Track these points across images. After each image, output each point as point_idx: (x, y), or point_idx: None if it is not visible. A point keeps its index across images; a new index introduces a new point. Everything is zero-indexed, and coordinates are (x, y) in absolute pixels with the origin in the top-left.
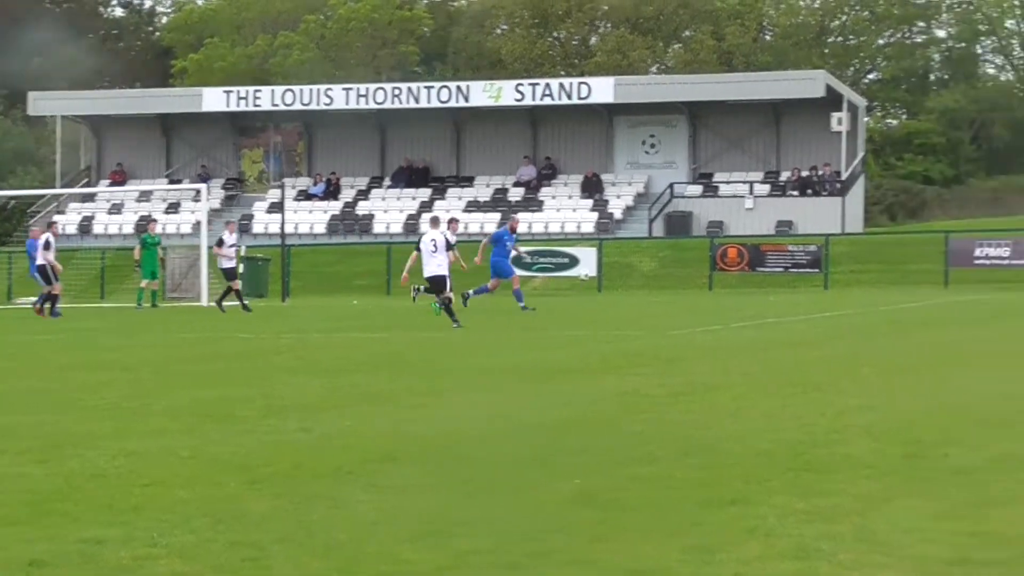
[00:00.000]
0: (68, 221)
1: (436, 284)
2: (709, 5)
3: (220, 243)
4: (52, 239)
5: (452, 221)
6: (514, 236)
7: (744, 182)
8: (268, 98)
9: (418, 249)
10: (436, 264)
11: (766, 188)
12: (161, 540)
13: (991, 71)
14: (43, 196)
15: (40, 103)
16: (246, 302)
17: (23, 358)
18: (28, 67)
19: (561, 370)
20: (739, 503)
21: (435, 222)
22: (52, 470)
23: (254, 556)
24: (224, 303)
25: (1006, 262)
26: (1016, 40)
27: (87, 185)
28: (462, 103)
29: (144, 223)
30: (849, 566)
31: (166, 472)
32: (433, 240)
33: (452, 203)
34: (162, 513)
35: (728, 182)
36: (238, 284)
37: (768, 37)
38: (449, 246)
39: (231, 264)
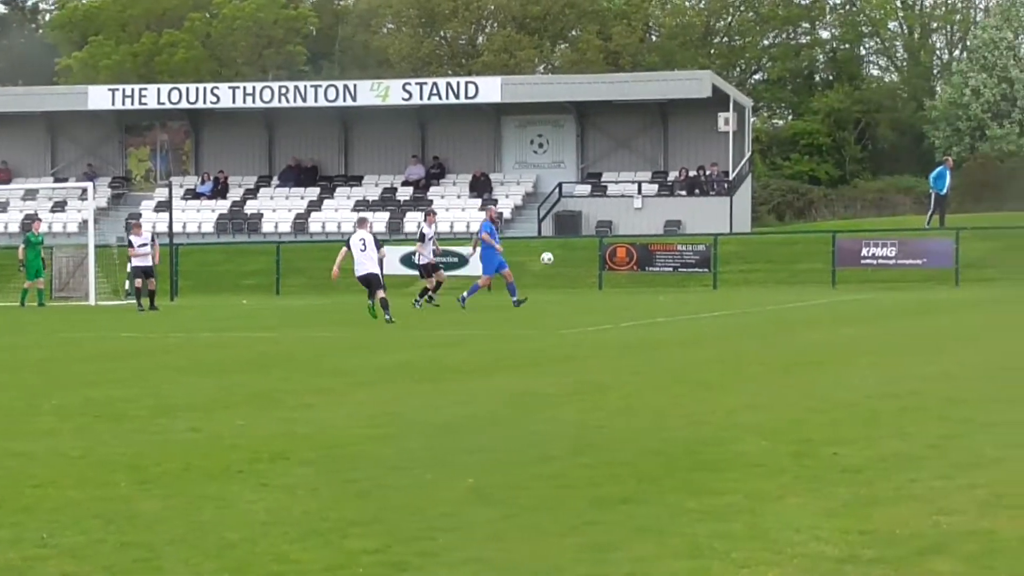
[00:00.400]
0: None
1: (369, 283)
2: (595, 5)
3: (130, 244)
4: None
5: (429, 214)
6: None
7: (632, 182)
8: (154, 96)
9: (348, 247)
10: (368, 263)
11: (654, 188)
12: (51, 540)
13: (875, 72)
14: None
15: None
16: (155, 303)
17: None
18: None
19: (454, 369)
20: (632, 502)
21: (363, 222)
22: None
23: (145, 557)
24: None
25: (892, 262)
26: (899, 42)
27: None
28: (349, 102)
29: (29, 222)
30: (742, 564)
31: (56, 472)
32: (362, 239)
33: (341, 202)
34: (52, 513)
35: (616, 182)
36: (153, 284)
37: (655, 37)
38: (378, 245)
39: (141, 263)
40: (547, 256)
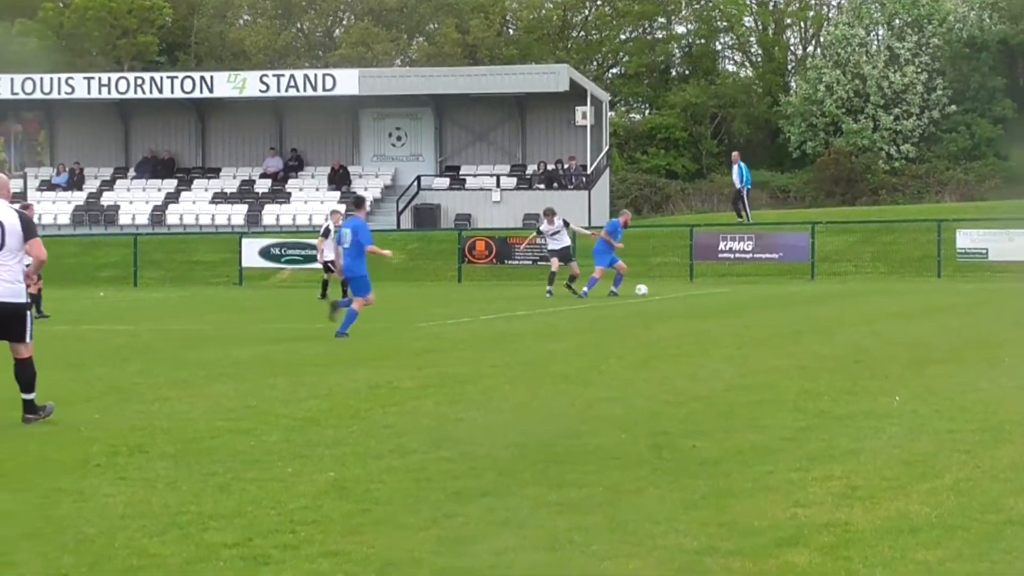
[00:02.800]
0: None
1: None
2: None
3: None
4: None
5: (549, 213)
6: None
7: (491, 175)
8: (7, 86)
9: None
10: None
11: (512, 181)
12: None
13: (731, 68)
14: None
15: None
16: None
17: None
18: None
19: (312, 363)
20: (492, 495)
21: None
22: None
23: (0, 552)
24: None
25: (749, 256)
26: (754, 37)
27: None
28: (206, 94)
29: None
30: (601, 556)
31: None
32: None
33: (198, 194)
34: None
35: (475, 175)
36: None
37: (512, 31)
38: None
39: None
40: (642, 288)
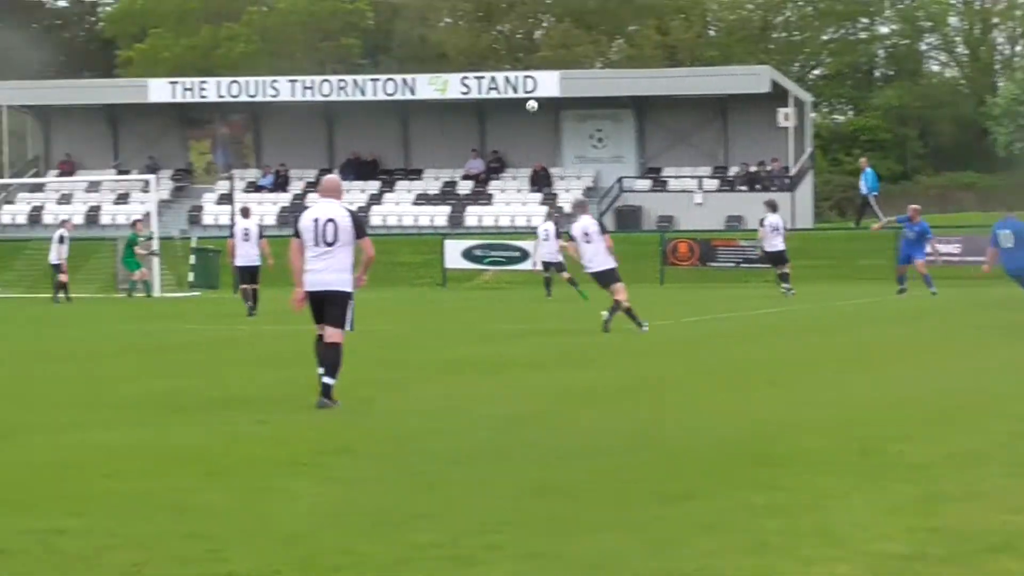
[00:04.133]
0: (18, 211)
1: (555, 267)
2: (653, 0)
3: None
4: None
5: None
6: (918, 225)
7: (692, 177)
8: (214, 89)
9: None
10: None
11: (715, 183)
12: (120, 531)
13: (935, 68)
14: None
15: None
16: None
17: None
18: None
19: (516, 364)
20: (696, 497)
21: (550, 215)
22: (9, 459)
23: (213, 548)
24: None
25: (957, 259)
26: (959, 37)
27: (35, 175)
28: (408, 96)
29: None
30: (807, 561)
31: (125, 463)
32: (545, 230)
33: (401, 196)
34: (121, 504)
35: (677, 177)
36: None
37: (712, 32)
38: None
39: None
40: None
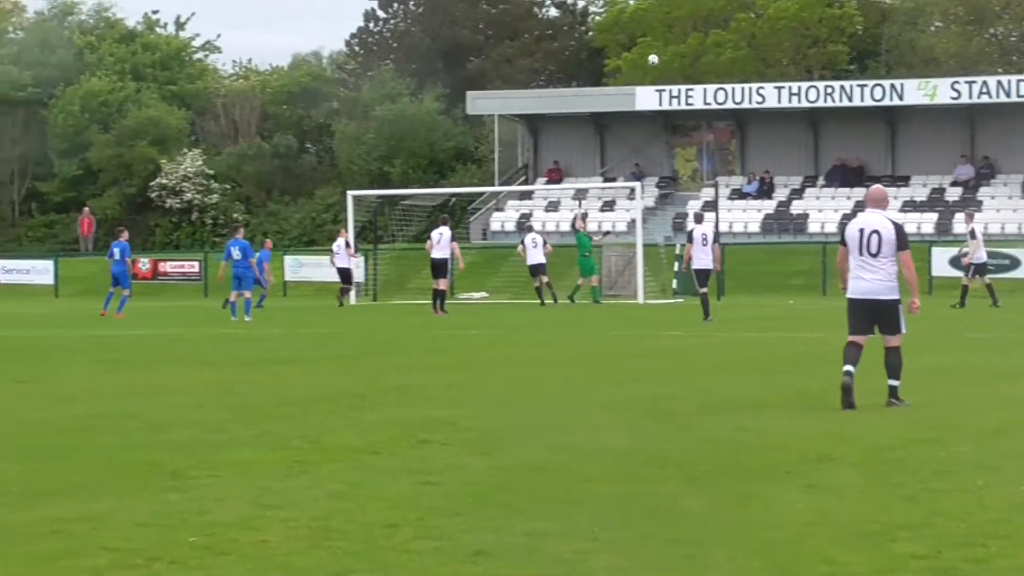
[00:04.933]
0: (507, 219)
1: (701, 277)
2: None
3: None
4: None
5: None
6: None
7: None
8: (700, 97)
9: (691, 241)
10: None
11: None
12: (601, 535)
13: None
14: (482, 193)
15: (478, 102)
16: (342, 300)
17: (451, 352)
18: (466, 68)
19: (1000, 374)
20: None
21: (699, 218)
22: (494, 463)
23: (691, 554)
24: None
25: None
26: None
27: (524, 183)
28: (896, 101)
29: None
30: None
31: (605, 468)
32: (704, 234)
33: (889, 203)
34: (601, 508)
35: None
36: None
37: None
38: (716, 239)
39: (342, 265)
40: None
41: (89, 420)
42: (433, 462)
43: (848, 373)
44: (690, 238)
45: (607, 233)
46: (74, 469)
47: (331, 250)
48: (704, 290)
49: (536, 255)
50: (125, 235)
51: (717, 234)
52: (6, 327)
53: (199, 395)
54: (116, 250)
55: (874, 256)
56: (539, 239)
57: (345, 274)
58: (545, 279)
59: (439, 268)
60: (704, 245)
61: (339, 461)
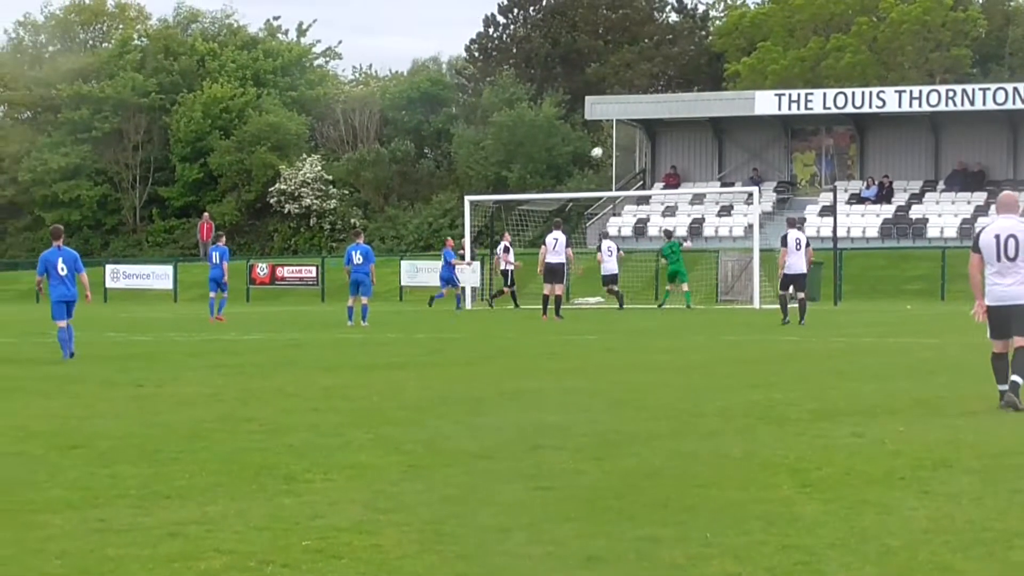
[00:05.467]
0: (623, 223)
1: (797, 281)
2: None
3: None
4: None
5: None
6: None
7: None
8: (819, 101)
9: (784, 246)
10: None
11: None
12: (714, 540)
13: None
14: (599, 198)
15: (596, 107)
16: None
17: (567, 357)
18: (585, 73)
19: None
20: None
21: (792, 223)
22: (608, 468)
23: (806, 560)
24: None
25: None
26: None
27: (641, 188)
28: (1019, 105)
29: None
30: None
31: (719, 473)
32: (797, 239)
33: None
34: (715, 514)
35: None
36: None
37: None
38: (808, 244)
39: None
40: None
41: (207, 424)
42: (546, 467)
43: (1006, 390)
44: (784, 242)
45: (686, 239)
46: (191, 472)
47: (495, 253)
48: (797, 293)
49: (611, 264)
50: (223, 240)
51: (808, 239)
52: (126, 331)
53: (315, 399)
54: (215, 254)
55: (1012, 260)
56: (614, 247)
57: (505, 276)
58: (616, 288)
59: (554, 273)
60: (797, 250)
61: (453, 465)
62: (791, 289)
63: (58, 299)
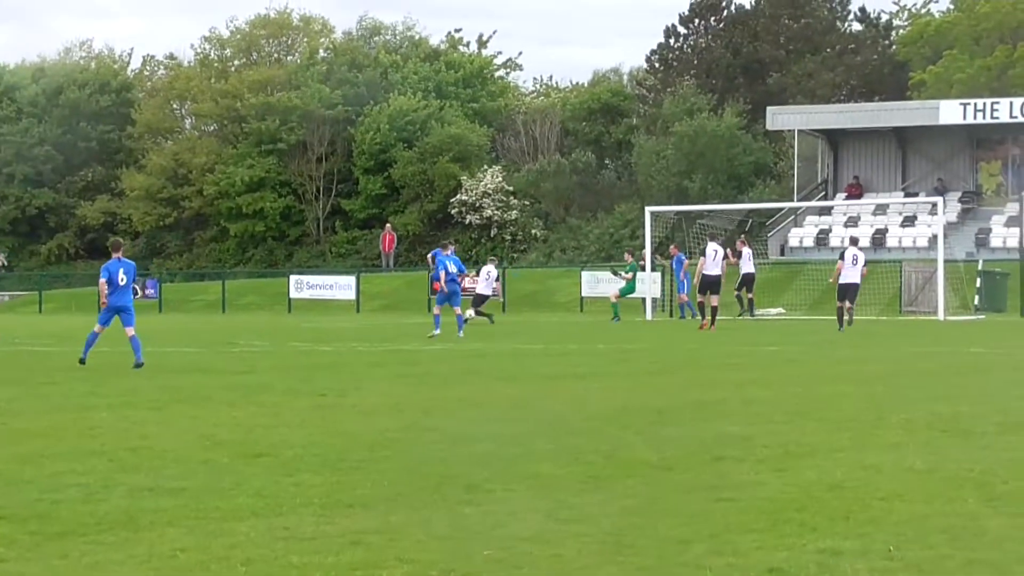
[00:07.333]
0: (805, 234)
1: (849, 292)
2: None
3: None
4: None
5: None
6: None
7: None
8: (1006, 110)
9: (842, 259)
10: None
11: None
12: (897, 554)
13: None
14: (781, 209)
15: (778, 118)
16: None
17: (748, 368)
18: (766, 83)
19: None
20: None
21: (854, 241)
22: (789, 480)
23: (991, 575)
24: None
25: None
26: None
27: (823, 198)
28: None
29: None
30: None
31: (903, 486)
32: (855, 255)
33: None
34: (898, 527)
35: None
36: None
37: None
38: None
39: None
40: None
41: (389, 433)
42: (728, 478)
43: None
44: (841, 256)
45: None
46: (373, 481)
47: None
48: (847, 304)
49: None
50: (451, 248)
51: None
52: (310, 341)
53: (498, 409)
54: (452, 264)
55: None
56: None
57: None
58: (750, 295)
59: (713, 284)
60: (854, 265)
61: (634, 476)
62: (846, 302)
63: (112, 305)
